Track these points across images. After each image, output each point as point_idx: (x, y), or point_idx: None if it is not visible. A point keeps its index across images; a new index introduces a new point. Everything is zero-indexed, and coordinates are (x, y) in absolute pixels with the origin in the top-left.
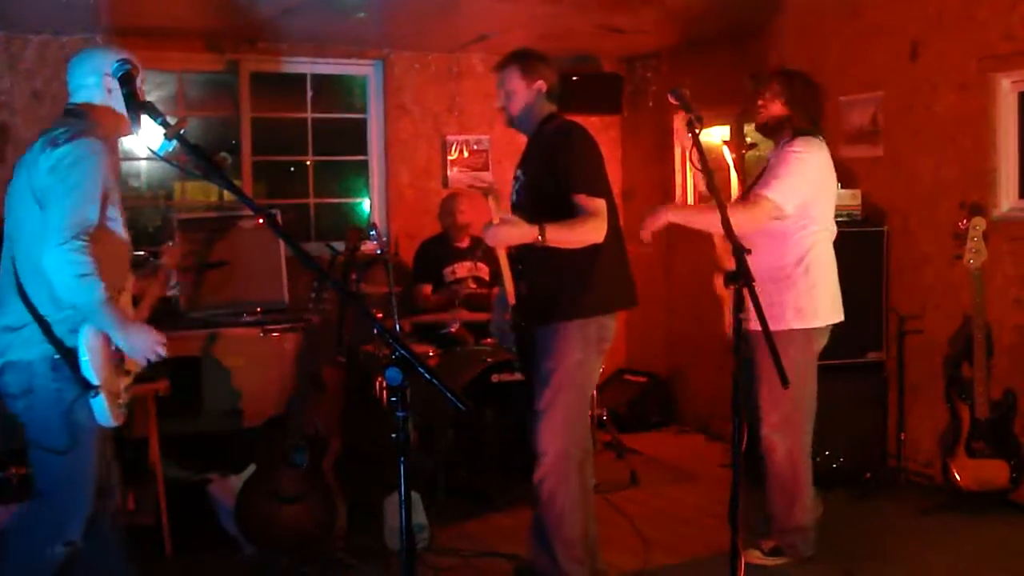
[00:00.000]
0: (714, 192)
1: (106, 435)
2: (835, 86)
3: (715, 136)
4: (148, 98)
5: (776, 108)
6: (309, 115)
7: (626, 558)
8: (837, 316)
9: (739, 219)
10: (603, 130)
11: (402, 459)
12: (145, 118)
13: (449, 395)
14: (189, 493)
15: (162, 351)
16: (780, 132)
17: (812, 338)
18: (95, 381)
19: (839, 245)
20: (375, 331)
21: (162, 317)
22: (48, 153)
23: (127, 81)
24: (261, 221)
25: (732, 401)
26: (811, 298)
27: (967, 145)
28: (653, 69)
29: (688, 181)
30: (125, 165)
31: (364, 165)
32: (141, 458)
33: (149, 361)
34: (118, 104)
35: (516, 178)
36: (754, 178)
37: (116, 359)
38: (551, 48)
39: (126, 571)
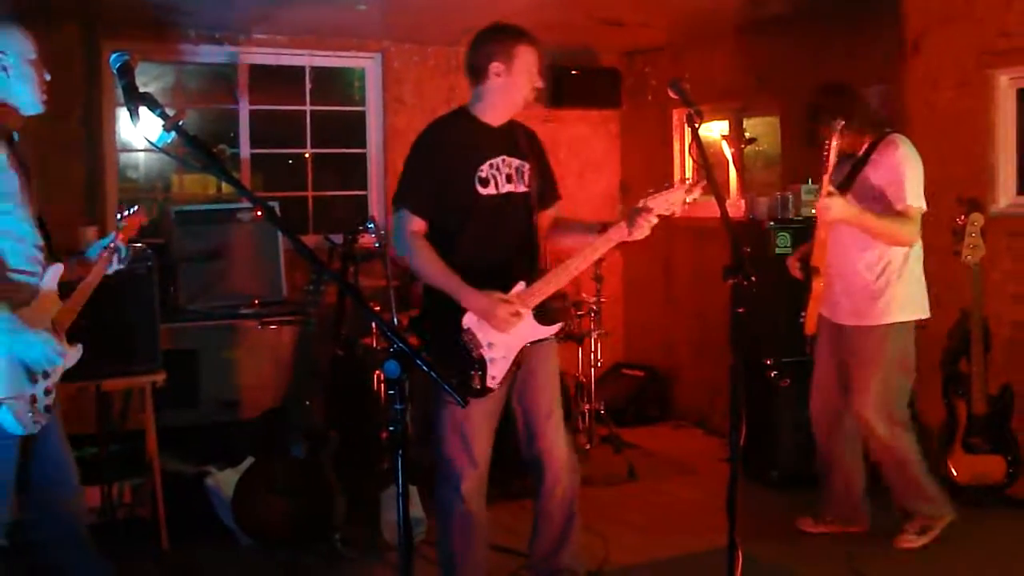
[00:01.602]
0: (713, 187)
1: (53, 437)
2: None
3: (714, 131)
4: (146, 89)
5: (845, 141)
6: (308, 107)
7: (624, 552)
8: (927, 310)
9: (906, 233)
10: (602, 124)
11: (400, 452)
12: (143, 109)
13: (447, 388)
14: (186, 485)
15: (58, 360)
16: (857, 146)
17: (911, 330)
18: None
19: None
20: (373, 324)
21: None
22: None
23: (125, 72)
24: (259, 213)
25: (731, 395)
26: (912, 291)
27: (966, 141)
28: (652, 63)
29: (687, 175)
30: (123, 157)
31: (362, 158)
32: (138, 450)
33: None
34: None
35: (515, 166)
36: (839, 186)
37: (24, 366)
38: (550, 41)
39: (100, 569)
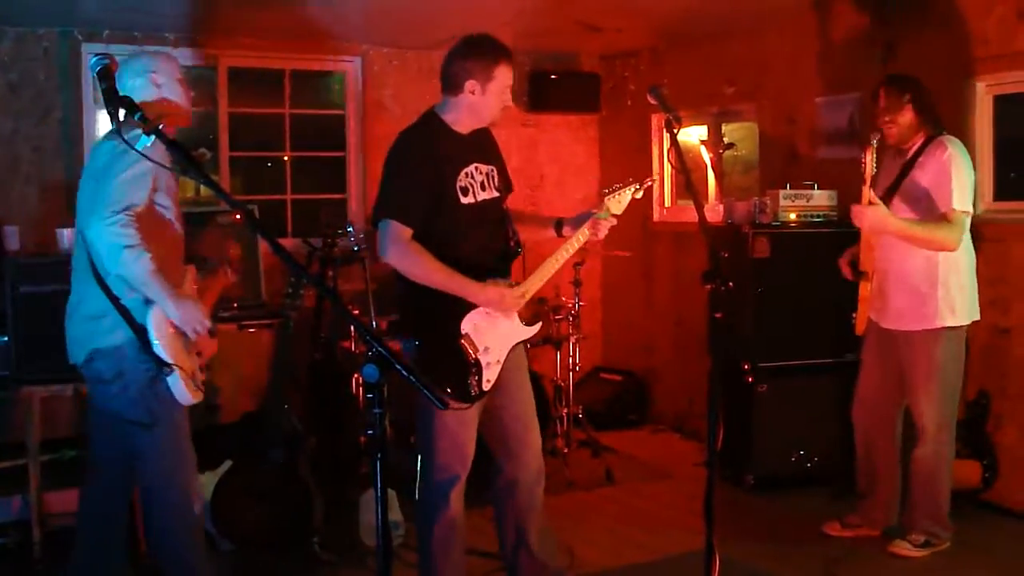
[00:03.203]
0: (691, 192)
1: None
2: (812, 87)
3: (693, 136)
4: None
5: (906, 118)
6: (287, 111)
7: (602, 555)
8: (978, 312)
9: (948, 239)
10: (581, 128)
11: (378, 456)
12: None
13: (427, 392)
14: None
15: (207, 323)
16: (909, 138)
17: (963, 335)
18: (168, 359)
19: (817, 246)
20: (352, 327)
21: None
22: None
23: (105, 76)
24: (239, 216)
25: (708, 399)
26: (963, 296)
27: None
28: (632, 68)
29: (666, 180)
30: None
31: (342, 161)
32: None
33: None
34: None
35: (485, 172)
36: (887, 189)
37: (184, 338)
38: (530, 46)
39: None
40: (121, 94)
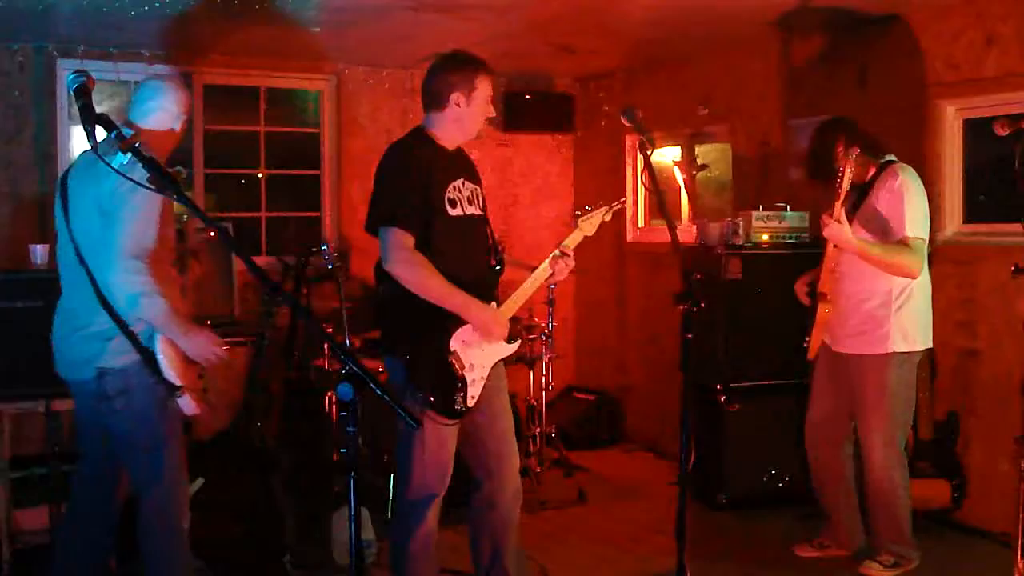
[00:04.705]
0: (664, 213)
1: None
2: (785, 109)
3: (667, 157)
4: (101, 109)
5: (855, 162)
6: (262, 128)
7: (574, 575)
8: (931, 340)
9: (908, 264)
10: (556, 149)
11: (352, 475)
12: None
13: (400, 411)
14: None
15: (222, 352)
16: (862, 174)
17: (914, 361)
18: (177, 383)
19: (788, 267)
20: (326, 346)
21: None
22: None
23: (82, 93)
24: (213, 234)
25: (680, 419)
26: (916, 321)
27: (913, 170)
28: (606, 89)
29: (640, 200)
30: None
31: (317, 179)
32: None
33: None
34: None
35: (471, 189)
36: (846, 212)
37: (187, 357)
38: (505, 67)
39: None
40: (98, 112)
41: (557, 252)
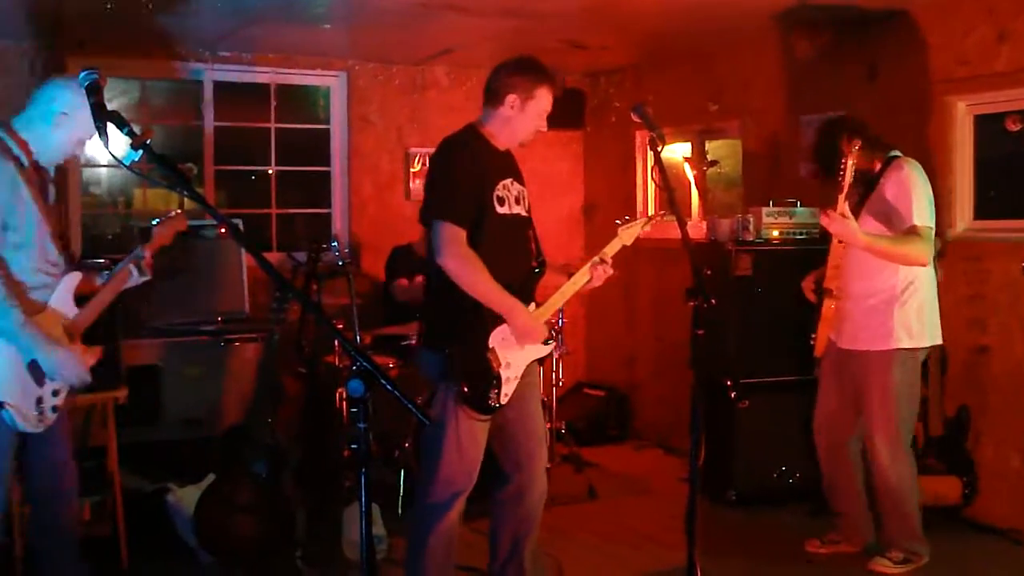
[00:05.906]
0: (674, 209)
1: (54, 439)
2: (796, 105)
3: (677, 152)
4: (111, 106)
5: (861, 157)
6: (272, 125)
7: (584, 571)
8: (939, 336)
9: (917, 252)
10: (566, 145)
11: (363, 470)
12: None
13: (411, 407)
14: (147, 503)
15: (86, 378)
16: (868, 168)
17: (919, 357)
18: (1, 397)
19: (799, 263)
20: (337, 342)
21: (121, 324)
22: None
23: (94, 90)
24: (223, 230)
25: (690, 416)
26: (920, 317)
27: (924, 166)
28: (616, 85)
29: (650, 196)
30: (86, 172)
31: (327, 176)
32: (99, 467)
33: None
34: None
35: (518, 190)
36: (855, 205)
37: (36, 370)
38: None
39: None
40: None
41: (597, 259)
